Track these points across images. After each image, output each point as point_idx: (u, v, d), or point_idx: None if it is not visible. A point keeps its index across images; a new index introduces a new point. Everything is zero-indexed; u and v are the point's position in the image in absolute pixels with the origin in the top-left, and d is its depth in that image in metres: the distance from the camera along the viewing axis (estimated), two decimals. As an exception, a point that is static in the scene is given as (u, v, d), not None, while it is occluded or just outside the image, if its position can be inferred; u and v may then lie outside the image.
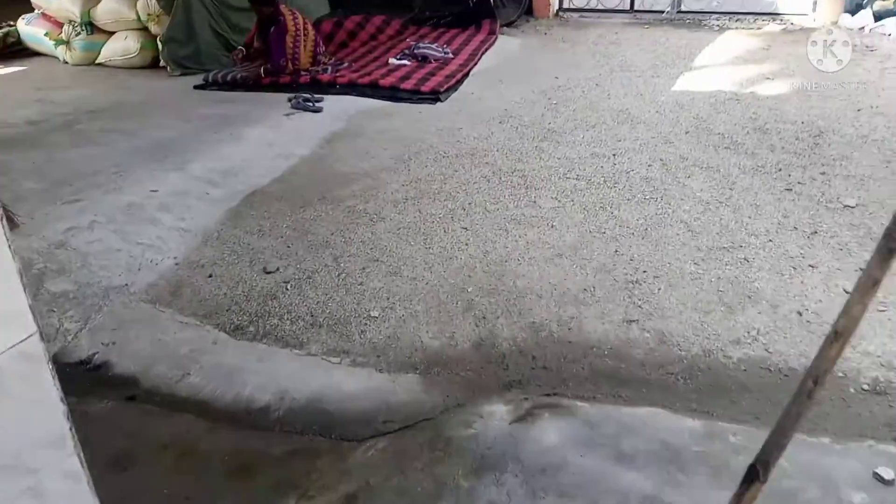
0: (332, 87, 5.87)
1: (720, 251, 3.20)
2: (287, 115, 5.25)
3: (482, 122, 5.06)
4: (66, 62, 7.21)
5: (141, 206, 3.79)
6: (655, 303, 2.86)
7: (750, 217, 3.48)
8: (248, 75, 6.05)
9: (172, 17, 6.46)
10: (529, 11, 8.53)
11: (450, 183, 4.08)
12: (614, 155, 4.34)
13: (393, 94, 5.70)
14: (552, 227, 3.51)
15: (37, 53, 7.61)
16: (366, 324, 2.86)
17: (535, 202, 3.78)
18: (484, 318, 2.85)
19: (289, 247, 3.48)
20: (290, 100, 5.52)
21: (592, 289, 2.97)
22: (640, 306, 2.84)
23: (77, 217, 3.62)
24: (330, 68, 6.22)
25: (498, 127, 4.95)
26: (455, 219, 3.66)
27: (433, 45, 6.63)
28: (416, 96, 5.63)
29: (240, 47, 6.28)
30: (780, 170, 3.99)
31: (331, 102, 5.53)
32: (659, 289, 2.95)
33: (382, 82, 5.83)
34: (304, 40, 6.12)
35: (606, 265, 3.14)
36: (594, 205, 3.70)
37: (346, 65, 6.40)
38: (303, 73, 6.11)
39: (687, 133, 4.61)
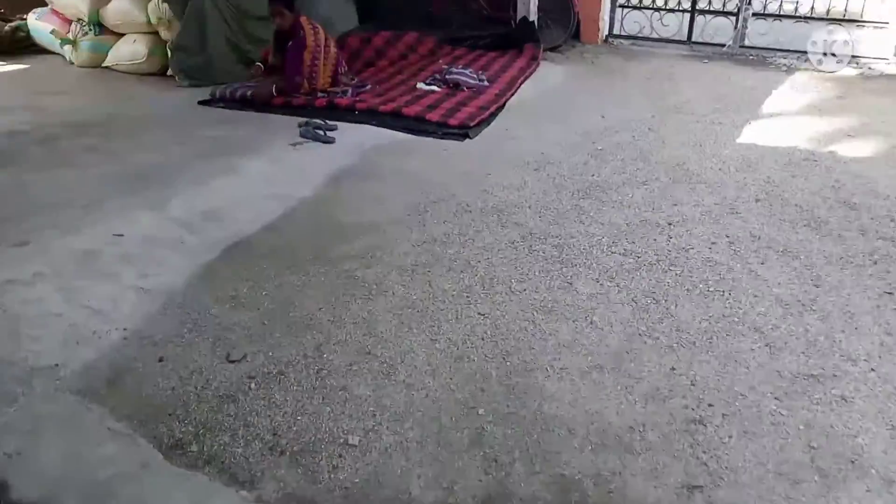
0: (349, 113, 5.24)
1: (808, 380, 2.47)
2: (294, 144, 4.61)
3: (515, 167, 4.38)
4: (72, 63, 6.69)
5: (99, 256, 3.17)
6: (726, 459, 2.14)
7: (843, 331, 2.75)
8: (259, 93, 5.44)
9: (184, 23, 5.89)
10: (576, 35, 7.83)
11: (470, 247, 3.40)
12: (670, 224, 3.62)
13: (417, 125, 5.04)
14: (591, 322, 2.81)
15: (45, 51, 7.12)
16: (340, 455, 2.19)
17: (571, 283, 3.09)
18: (496, 460, 2.16)
19: (265, 324, 2.83)
20: (300, 126, 4.90)
21: (642, 427, 2.27)
22: (705, 463, 2.13)
23: (20, 266, 3.02)
24: (350, 90, 5.58)
25: (533, 175, 4.26)
26: (472, 299, 2.98)
27: (467, 71, 5.96)
28: (442, 130, 4.96)
29: (257, 63, 5.67)
30: (875, 262, 3.24)
31: (345, 132, 4.89)
32: (730, 436, 2.23)
33: (406, 111, 5.18)
34: (325, 58, 5.49)
35: (660, 390, 2.44)
36: (645, 294, 2.99)
37: (368, 87, 5.76)
38: (320, 94, 5.49)
39: (757, 201, 3.87)
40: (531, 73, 6.42)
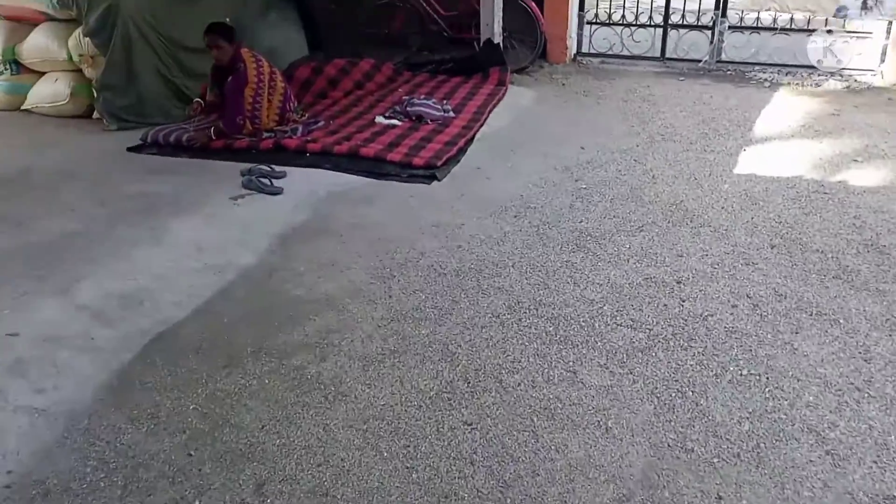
0: (300, 156, 4.63)
1: (891, 505, 1.93)
2: (235, 198, 3.99)
3: (491, 214, 3.82)
4: (-12, 106, 5.97)
5: (-19, 366, 2.51)
6: None
7: (917, 425, 2.22)
8: (196, 136, 4.81)
9: (109, 58, 5.22)
10: (543, 55, 7.33)
11: (447, 324, 2.82)
12: (679, 283, 3.09)
13: (377, 167, 4.46)
14: (606, 430, 2.24)
15: (-40, 93, 6.36)
16: None
17: (574, 373, 2.52)
18: None
19: (191, 455, 2.20)
20: (242, 174, 4.27)
21: None
22: None
23: None
24: (301, 128, 4.98)
25: (512, 223, 3.70)
26: (454, 402, 2.39)
27: (430, 101, 5.40)
28: (406, 172, 4.39)
29: (197, 99, 5.03)
30: (927, 322, 2.74)
31: (296, 179, 4.28)
32: None
33: (364, 151, 4.59)
34: (270, 93, 4.88)
35: (708, 534, 1.87)
36: (666, 384, 2.44)
37: (321, 123, 5.16)
38: (266, 134, 4.87)
39: (773, 248, 3.36)
40: (499, 100, 5.88)
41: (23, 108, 5.81)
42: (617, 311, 2.89)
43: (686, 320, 2.81)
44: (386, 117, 5.30)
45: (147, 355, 2.68)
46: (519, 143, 4.98)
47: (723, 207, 3.83)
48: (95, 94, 5.40)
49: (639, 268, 3.23)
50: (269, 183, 4.12)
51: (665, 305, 2.92)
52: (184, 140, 4.83)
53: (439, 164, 4.45)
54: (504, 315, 2.89)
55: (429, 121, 5.19)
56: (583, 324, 2.80)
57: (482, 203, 3.97)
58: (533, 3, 6.89)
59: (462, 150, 4.79)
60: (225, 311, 2.97)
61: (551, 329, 2.78)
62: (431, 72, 6.65)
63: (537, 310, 2.91)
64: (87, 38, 5.26)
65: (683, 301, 2.95)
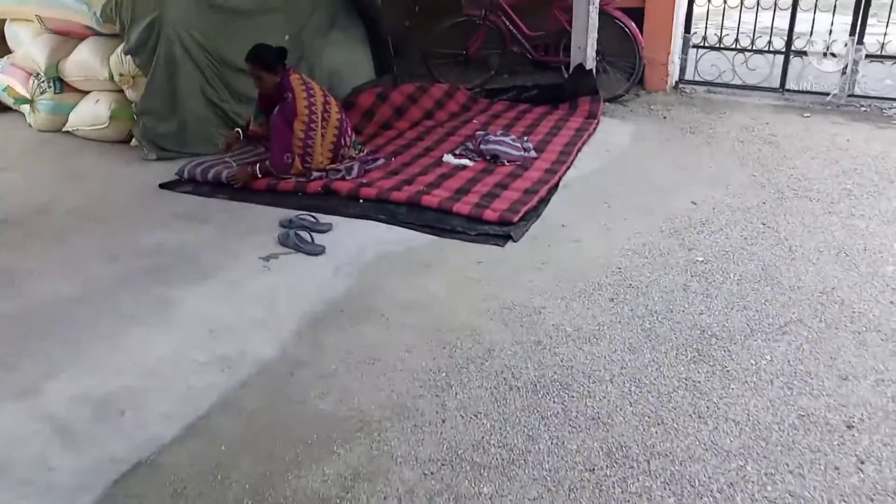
0: (352, 203, 3.93)
1: None
2: (266, 259, 3.30)
3: (580, 294, 2.99)
4: (31, 126, 5.53)
5: None
6: None
7: None
8: (239, 174, 4.16)
9: (150, 79, 4.66)
10: (640, 82, 6.43)
11: (519, 479, 2.02)
12: (849, 427, 2.18)
13: (440, 220, 3.70)
14: None
15: (9, 108, 5.98)
16: None
17: (709, 592, 1.66)
18: None
19: None
20: (282, 225, 3.59)
21: None
22: None
23: None
24: (356, 167, 4.26)
25: (608, 311, 2.86)
26: None
27: (508, 137, 4.60)
28: (474, 229, 3.60)
29: (237, 129, 4.41)
30: None
31: (342, 233, 3.57)
32: None
33: (427, 199, 3.83)
34: (324, 127, 4.19)
35: None
36: None
37: (381, 162, 4.44)
38: (315, 174, 4.18)
39: (983, 375, 2.40)
40: (589, 136, 5.04)
41: (64, 129, 5.33)
42: (766, 475, 2.01)
43: (873, 501, 1.90)
44: (455, 155, 4.53)
45: (116, 498, 1.97)
46: (614, 192, 4.11)
47: (892, 302, 2.87)
48: (135, 118, 4.84)
49: (789, 396, 2.33)
50: (309, 239, 3.41)
51: (836, 469, 2.02)
52: (224, 177, 4.19)
53: (515, 219, 3.65)
54: (601, 468, 2.05)
55: (505, 161, 4.39)
56: (718, 496, 1.93)
57: (568, 276, 3.14)
58: (631, 23, 6.01)
59: (544, 201, 3.97)
60: (225, 430, 2.24)
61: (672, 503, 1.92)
62: (512, 99, 5.85)
63: (649, 462, 2.06)
64: (128, 57, 4.71)
65: (862, 463, 2.04)
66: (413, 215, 3.75)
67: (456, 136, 4.98)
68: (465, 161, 4.43)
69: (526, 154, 4.51)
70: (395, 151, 4.70)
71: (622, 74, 6.31)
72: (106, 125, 5.05)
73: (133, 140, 4.91)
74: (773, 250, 3.34)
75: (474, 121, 5.36)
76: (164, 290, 3.00)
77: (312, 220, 3.63)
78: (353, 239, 3.52)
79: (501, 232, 3.56)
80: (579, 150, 4.76)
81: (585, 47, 5.48)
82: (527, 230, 3.63)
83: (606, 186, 4.23)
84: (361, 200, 3.94)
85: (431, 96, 5.54)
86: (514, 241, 3.50)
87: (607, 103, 5.88)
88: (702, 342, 2.64)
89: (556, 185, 4.20)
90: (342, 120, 4.34)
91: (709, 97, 6.36)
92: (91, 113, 5.10)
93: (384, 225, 3.67)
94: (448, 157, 4.50)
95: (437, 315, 2.86)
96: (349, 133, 4.42)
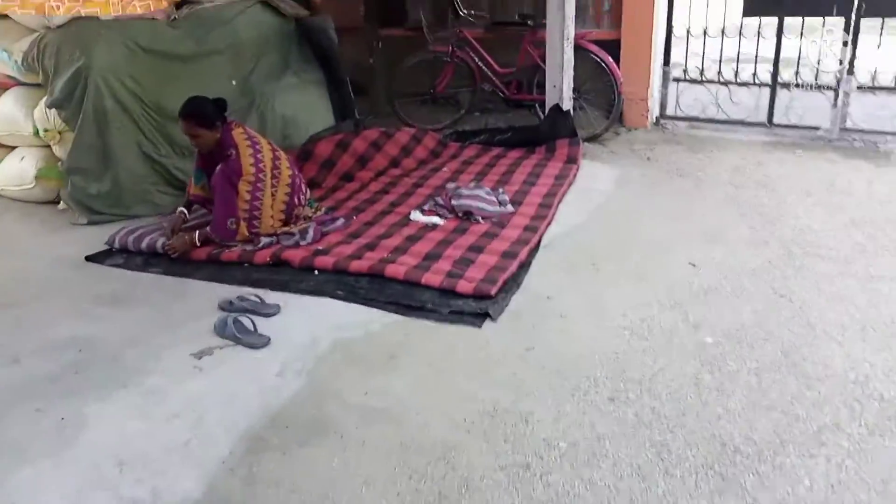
0: (306, 275, 3.43)
1: None
2: (199, 355, 2.77)
3: (573, 394, 2.51)
4: (-49, 186, 4.96)
5: None
6: None
7: None
8: (174, 243, 3.64)
9: (77, 134, 4.14)
10: (619, 118, 6.03)
11: None
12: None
13: (407, 295, 3.21)
14: None
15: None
16: None
17: None
18: None
19: None
20: (221, 308, 3.07)
21: None
22: None
23: None
24: (312, 230, 3.77)
25: (608, 417, 2.39)
26: None
27: (482, 191, 4.14)
28: (447, 305, 3.12)
29: (179, 210, 3.92)
30: None
31: (292, 314, 3.08)
32: None
33: (391, 270, 3.35)
34: (274, 186, 3.70)
35: None
36: None
37: (340, 222, 3.95)
38: (264, 241, 3.67)
39: None
40: (570, 184, 4.60)
41: (-12, 190, 4.77)
42: None
43: None
44: (424, 212, 4.06)
45: None
46: (602, 252, 3.66)
47: (942, 395, 2.43)
48: (63, 178, 4.30)
49: (842, 541, 1.86)
50: (252, 327, 2.90)
51: None
52: (159, 247, 3.67)
53: (493, 291, 3.17)
54: None
55: (480, 218, 3.93)
56: None
57: (558, 368, 2.67)
58: (608, 57, 5.62)
59: (524, 266, 3.50)
60: None
61: None
62: (484, 143, 5.41)
63: None
64: (53, 110, 4.18)
65: None
66: (376, 289, 3.26)
67: (425, 188, 4.51)
68: (434, 219, 3.95)
69: (502, 209, 4.05)
70: (358, 208, 4.22)
71: (600, 112, 5.92)
72: (32, 185, 4.51)
73: (61, 202, 4.36)
74: (790, 326, 2.90)
75: (444, 168, 4.91)
76: (68, 405, 2.46)
77: (257, 300, 3.11)
78: (305, 323, 3.01)
79: (478, 308, 3.08)
80: (560, 200, 4.31)
81: (561, 86, 5.07)
82: (507, 304, 3.15)
83: (593, 244, 3.78)
84: (316, 272, 3.44)
85: (397, 142, 5.08)
86: (493, 320, 3.02)
87: (586, 143, 5.47)
88: (724, 461, 2.17)
89: (538, 244, 3.74)
90: (295, 176, 3.85)
91: (693, 133, 5.99)
92: (16, 171, 4.55)
93: (342, 303, 3.17)
94: (416, 215, 4.02)
95: (404, 428, 2.36)
96: (303, 191, 3.93)
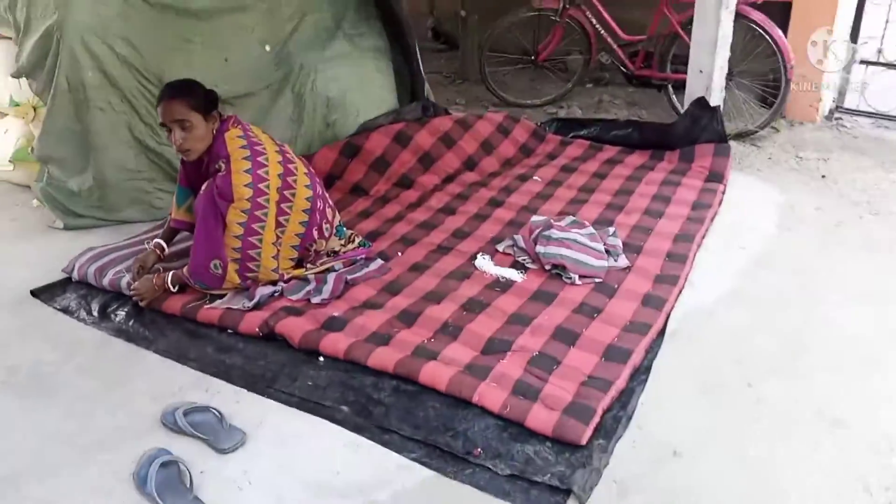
0: (306, 363, 2.29)
1: None
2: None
3: None
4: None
5: None
6: None
7: None
8: (140, 287, 2.59)
9: (49, 114, 3.15)
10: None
11: None
12: None
13: (448, 422, 2.04)
14: None
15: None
16: None
17: None
18: None
19: None
20: (164, 423, 2.00)
21: None
22: None
23: None
24: (331, 281, 2.63)
25: None
26: None
27: (583, 232, 2.85)
28: (506, 455, 1.94)
29: (155, 241, 2.84)
30: None
31: (260, 453, 1.98)
32: None
33: (430, 374, 2.18)
34: (283, 214, 2.57)
35: None
36: None
37: (375, 265, 2.79)
38: (262, 291, 2.56)
39: None
40: (713, 217, 3.22)
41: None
42: None
43: None
44: (493, 258, 2.83)
45: None
46: (763, 356, 2.35)
47: None
48: (40, 169, 3.34)
49: None
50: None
51: None
52: (123, 287, 2.64)
53: (586, 436, 1.94)
54: None
55: (576, 278, 2.65)
56: None
57: None
58: (776, 29, 4.10)
59: (638, 374, 2.24)
60: None
61: None
62: (594, 139, 4.06)
63: None
64: (24, 80, 3.19)
65: None
66: (402, 408, 2.10)
67: (505, 209, 3.28)
68: (510, 273, 2.73)
69: (611, 263, 2.75)
70: (407, 237, 3.05)
71: (754, 98, 4.42)
72: (11, 167, 3.57)
73: (35, 200, 3.41)
74: None
75: (535, 178, 3.62)
76: None
77: (214, 415, 2.02)
78: (276, 474, 1.90)
79: (557, 474, 1.86)
80: (698, 247, 2.96)
81: (711, 71, 3.63)
82: (605, 465, 1.91)
83: (747, 338, 2.46)
84: (321, 359, 2.30)
85: (477, 134, 3.83)
86: (581, 501, 1.80)
87: (732, 141, 4.02)
88: None
89: (662, 330, 2.45)
90: (316, 198, 2.69)
91: (882, 136, 4.43)
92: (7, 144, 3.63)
93: (347, 432, 2.03)
94: (484, 263, 2.80)
95: None
96: (328, 218, 2.77)
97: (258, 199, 2.48)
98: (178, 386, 2.20)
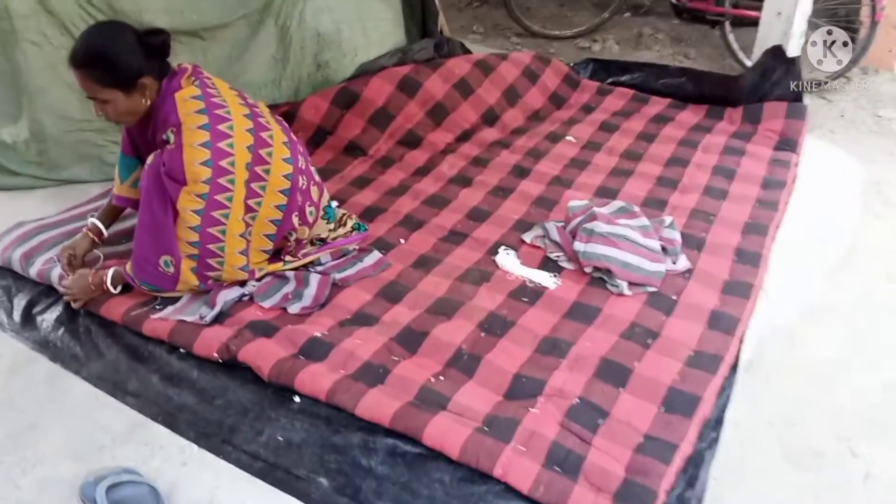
0: (276, 406, 1.76)
1: None
2: None
3: None
4: None
5: None
6: None
7: None
8: (72, 285, 2.03)
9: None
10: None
11: None
12: None
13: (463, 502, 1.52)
14: None
15: None
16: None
17: None
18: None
19: None
20: (83, 499, 1.49)
21: None
22: None
23: None
24: (315, 284, 2.07)
25: None
26: None
27: (633, 224, 2.26)
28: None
29: (65, 247, 2.23)
30: None
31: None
32: None
33: (437, 433, 1.64)
34: (254, 197, 1.97)
35: None
36: None
37: (371, 258, 2.23)
38: (227, 293, 2.01)
39: None
40: (787, 202, 2.62)
41: None
42: None
43: None
44: (518, 253, 2.26)
45: None
46: (866, 411, 1.82)
47: None
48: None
49: None
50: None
51: None
52: (54, 280, 2.08)
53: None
54: None
55: (623, 285, 2.09)
56: None
57: None
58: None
59: (709, 427, 1.71)
60: None
61: None
62: (638, 88, 3.40)
63: None
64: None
65: None
66: (399, 481, 1.59)
67: (532, 180, 2.69)
68: (539, 275, 2.16)
69: (668, 266, 2.18)
70: (412, 218, 2.47)
71: (841, 41, 3.72)
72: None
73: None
74: None
75: (569, 138, 3.00)
76: None
77: (151, 492, 1.50)
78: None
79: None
80: (773, 240, 2.38)
81: (792, 14, 2.93)
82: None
83: (842, 379, 1.93)
84: (297, 399, 1.77)
85: (499, 80, 3.20)
86: None
87: (808, 90, 3.36)
88: None
89: (734, 363, 1.91)
90: (298, 173, 2.09)
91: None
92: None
93: (323, 518, 1.53)
94: (507, 260, 2.23)
95: None
96: (312, 197, 2.18)
97: (219, 181, 1.89)
98: (109, 436, 1.68)
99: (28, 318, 2.05)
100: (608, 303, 2.06)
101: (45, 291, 2.14)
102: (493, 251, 2.28)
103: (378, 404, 1.70)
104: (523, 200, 2.56)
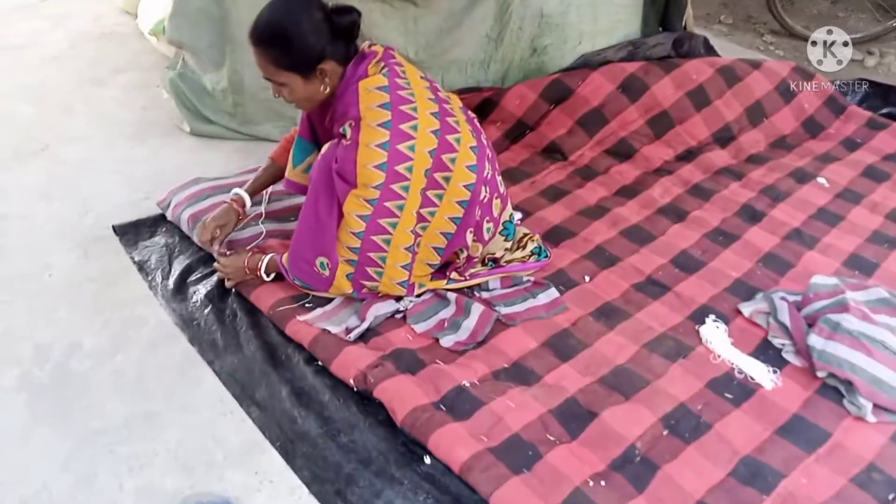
0: (404, 464, 1.51)
1: None
2: None
3: None
4: None
5: None
6: None
7: None
8: (228, 265, 1.91)
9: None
10: None
11: None
12: None
13: None
14: None
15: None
16: None
17: None
18: None
19: None
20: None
21: None
22: None
23: None
24: (476, 315, 1.79)
25: None
26: None
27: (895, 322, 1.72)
28: None
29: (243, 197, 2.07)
30: None
31: None
32: None
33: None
34: (429, 205, 1.72)
35: None
36: None
37: (546, 296, 1.90)
38: (379, 308, 1.79)
39: None
40: None
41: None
42: None
43: None
44: (729, 327, 1.80)
45: None
46: None
47: None
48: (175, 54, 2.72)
49: None
50: None
51: None
52: (214, 249, 1.97)
53: None
54: None
55: (868, 409, 1.59)
56: None
57: None
58: None
59: None
60: None
61: None
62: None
63: None
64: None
65: None
66: None
67: (763, 229, 2.18)
68: (754, 367, 1.70)
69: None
70: (603, 252, 2.08)
71: None
72: (155, 40, 3.01)
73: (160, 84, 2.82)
74: None
75: (821, 179, 2.43)
76: None
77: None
78: None
79: None
80: None
81: None
82: None
83: None
84: (428, 461, 1.51)
85: (745, 92, 2.67)
86: None
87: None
88: None
89: None
90: (482, 184, 1.79)
91: None
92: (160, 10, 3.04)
93: None
94: (713, 334, 1.79)
95: None
96: (493, 212, 1.87)
97: (392, 187, 1.64)
98: (223, 452, 1.52)
99: (181, 285, 1.96)
100: (841, 427, 1.58)
101: (204, 259, 2.04)
102: (699, 318, 1.85)
103: (518, 498, 1.38)
104: (749, 254, 2.08)
